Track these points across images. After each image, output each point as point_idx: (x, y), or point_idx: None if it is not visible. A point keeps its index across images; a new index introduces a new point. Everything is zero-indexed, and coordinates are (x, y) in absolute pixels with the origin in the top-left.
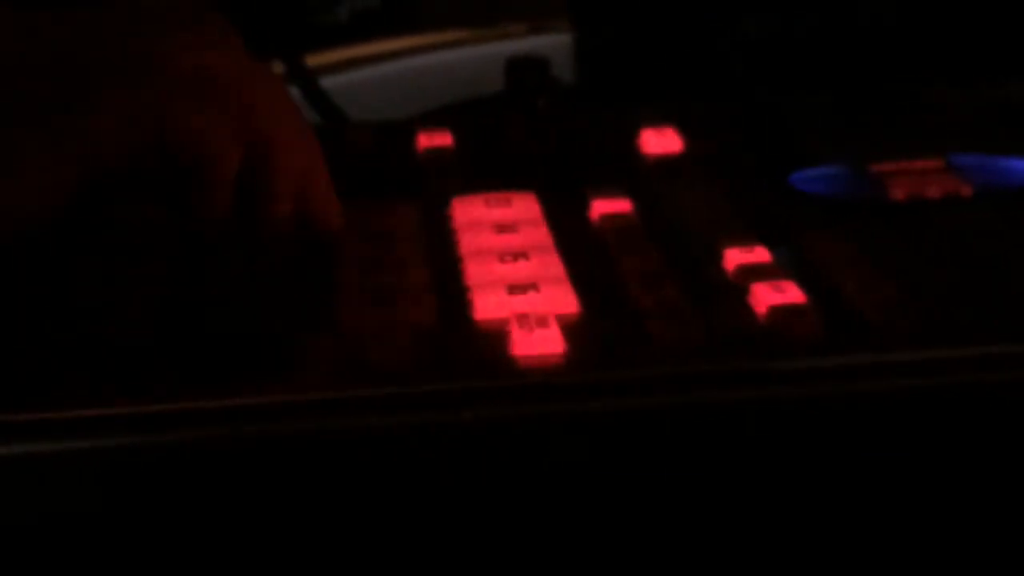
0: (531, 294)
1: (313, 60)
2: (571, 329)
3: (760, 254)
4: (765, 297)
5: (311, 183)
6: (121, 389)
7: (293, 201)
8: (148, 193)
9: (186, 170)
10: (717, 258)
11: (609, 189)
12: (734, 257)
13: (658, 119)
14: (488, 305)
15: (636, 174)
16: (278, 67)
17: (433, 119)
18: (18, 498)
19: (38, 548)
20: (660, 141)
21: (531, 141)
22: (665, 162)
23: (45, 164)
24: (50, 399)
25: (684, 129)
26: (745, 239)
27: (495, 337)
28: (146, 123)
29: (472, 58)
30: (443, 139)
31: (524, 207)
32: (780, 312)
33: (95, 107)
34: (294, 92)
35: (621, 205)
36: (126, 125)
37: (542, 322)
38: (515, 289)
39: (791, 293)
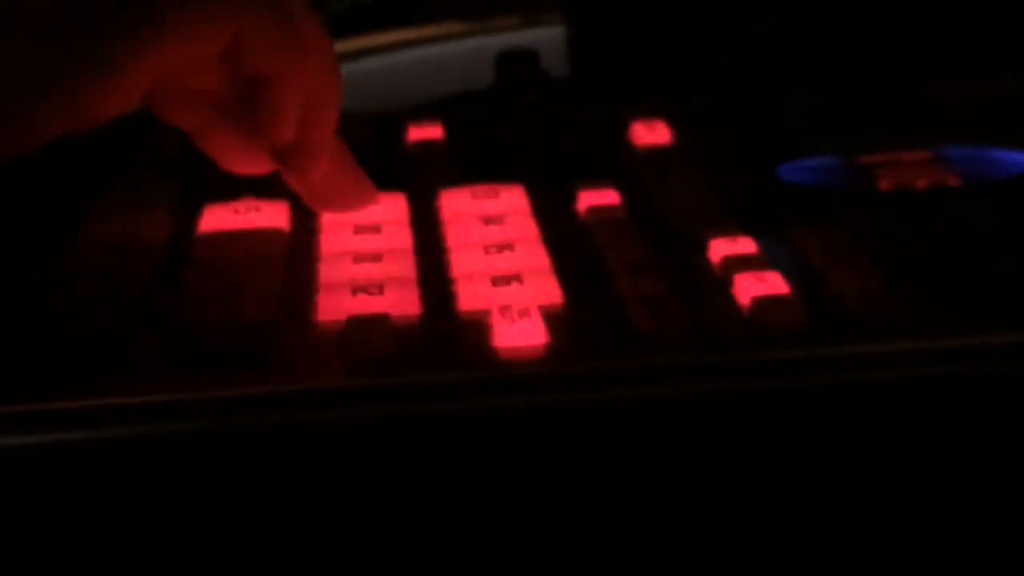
0: (515, 285)
1: None
2: (554, 320)
3: (745, 245)
4: (749, 288)
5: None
6: (106, 380)
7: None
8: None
9: (258, 84)
10: (703, 249)
11: (596, 181)
12: (719, 248)
13: (647, 112)
14: (472, 296)
15: (624, 166)
16: None
17: (424, 112)
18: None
19: (36, 542)
20: (649, 133)
21: (520, 134)
22: (654, 154)
23: (123, 61)
24: (39, 390)
25: (673, 121)
26: (731, 230)
27: (478, 328)
28: (222, 25)
29: (465, 51)
30: (433, 131)
31: (511, 199)
32: (763, 303)
33: (172, 4)
34: None
35: (608, 197)
36: (203, 25)
37: (524, 313)
38: (499, 281)
39: (775, 284)
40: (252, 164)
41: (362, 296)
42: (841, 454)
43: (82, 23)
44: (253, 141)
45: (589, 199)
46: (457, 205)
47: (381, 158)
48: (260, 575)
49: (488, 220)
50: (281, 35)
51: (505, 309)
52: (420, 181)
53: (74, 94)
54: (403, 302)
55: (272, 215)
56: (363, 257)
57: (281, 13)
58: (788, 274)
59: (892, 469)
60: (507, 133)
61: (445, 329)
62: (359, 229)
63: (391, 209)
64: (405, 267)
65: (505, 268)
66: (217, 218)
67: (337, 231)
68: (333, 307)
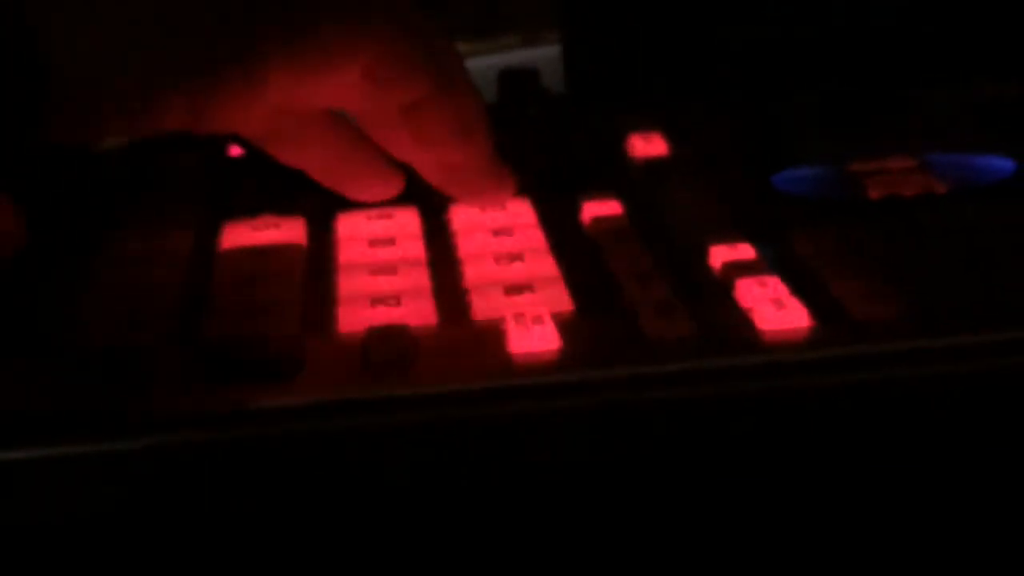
0: (527, 294)
1: None
2: (566, 327)
3: (745, 251)
4: (750, 292)
5: None
6: (131, 393)
7: None
8: None
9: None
10: (703, 256)
11: (599, 192)
12: (720, 254)
13: (645, 124)
14: (486, 305)
15: (625, 178)
16: None
17: None
18: (35, 500)
19: (52, 549)
20: (646, 145)
21: (523, 148)
22: (652, 165)
23: (267, 74)
24: (65, 402)
25: (670, 133)
26: (731, 237)
27: (493, 336)
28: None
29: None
30: None
31: (519, 211)
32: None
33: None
34: None
35: (611, 207)
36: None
37: (538, 320)
38: (511, 290)
39: (775, 288)
40: (384, 189)
41: (380, 307)
42: (845, 455)
43: (234, 26)
44: (385, 167)
45: (592, 210)
46: (467, 217)
47: None
48: None
49: (497, 232)
50: (422, 59)
51: (519, 317)
52: (430, 194)
53: (205, 94)
54: (420, 312)
55: (290, 231)
56: (379, 269)
57: (420, 38)
58: (787, 278)
59: (900, 469)
60: (510, 147)
61: (461, 337)
62: (374, 242)
63: (404, 222)
64: (420, 278)
65: (516, 277)
66: (238, 235)
67: (353, 244)
68: (353, 318)
